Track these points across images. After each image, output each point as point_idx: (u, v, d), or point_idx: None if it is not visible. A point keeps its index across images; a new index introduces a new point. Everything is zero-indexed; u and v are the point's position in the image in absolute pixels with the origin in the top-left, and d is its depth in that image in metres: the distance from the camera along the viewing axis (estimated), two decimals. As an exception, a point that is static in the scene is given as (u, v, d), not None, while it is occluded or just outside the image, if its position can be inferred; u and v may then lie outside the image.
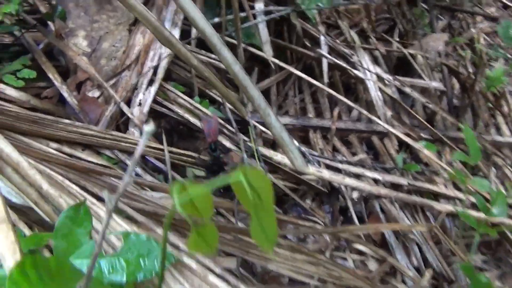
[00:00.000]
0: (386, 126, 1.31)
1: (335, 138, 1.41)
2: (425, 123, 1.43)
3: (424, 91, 1.55)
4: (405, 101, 1.54)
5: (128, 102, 1.10)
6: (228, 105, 1.18)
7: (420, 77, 1.55)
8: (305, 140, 1.40)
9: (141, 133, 1.07)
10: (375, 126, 1.44)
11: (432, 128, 1.44)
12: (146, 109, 1.09)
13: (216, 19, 1.17)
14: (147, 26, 0.64)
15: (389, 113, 1.39)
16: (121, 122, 1.06)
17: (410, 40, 1.69)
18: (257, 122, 1.27)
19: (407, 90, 1.40)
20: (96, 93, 1.07)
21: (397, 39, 1.67)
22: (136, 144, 1.03)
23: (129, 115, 1.06)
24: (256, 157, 1.08)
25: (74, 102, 1.03)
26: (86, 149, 0.98)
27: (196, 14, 0.65)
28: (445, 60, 1.59)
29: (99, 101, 1.05)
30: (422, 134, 1.48)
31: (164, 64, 1.14)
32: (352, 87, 1.68)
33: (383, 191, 1.19)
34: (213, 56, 1.22)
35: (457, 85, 1.66)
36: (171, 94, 1.15)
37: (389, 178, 1.25)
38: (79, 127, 0.98)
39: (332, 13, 1.53)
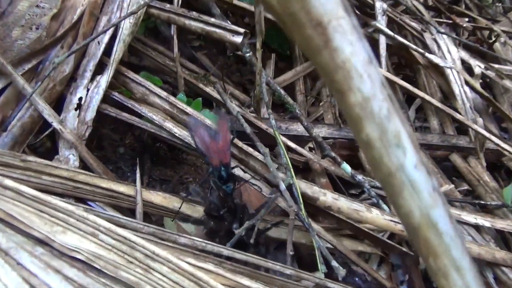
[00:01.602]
0: (490, 135, 0.83)
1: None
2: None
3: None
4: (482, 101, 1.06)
5: (59, 104, 0.61)
6: (237, 108, 0.69)
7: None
8: (353, 162, 0.91)
9: (80, 160, 0.57)
10: (455, 139, 0.95)
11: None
12: (90, 115, 0.60)
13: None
14: None
15: (480, 120, 0.91)
16: (39, 142, 0.57)
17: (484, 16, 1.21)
18: (284, 134, 0.79)
19: (508, 84, 0.91)
20: (-6, 86, 0.58)
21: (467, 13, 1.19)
22: (72, 180, 0.53)
23: (57, 126, 0.56)
24: (300, 198, 0.58)
25: None
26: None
27: None
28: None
29: (-3, 101, 0.56)
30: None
31: (125, 36, 0.65)
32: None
33: (499, 254, 0.70)
34: (213, 20, 0.72)
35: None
36: (139, 88, 0.65)
37: (502, 224, 0.76)
38: None
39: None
